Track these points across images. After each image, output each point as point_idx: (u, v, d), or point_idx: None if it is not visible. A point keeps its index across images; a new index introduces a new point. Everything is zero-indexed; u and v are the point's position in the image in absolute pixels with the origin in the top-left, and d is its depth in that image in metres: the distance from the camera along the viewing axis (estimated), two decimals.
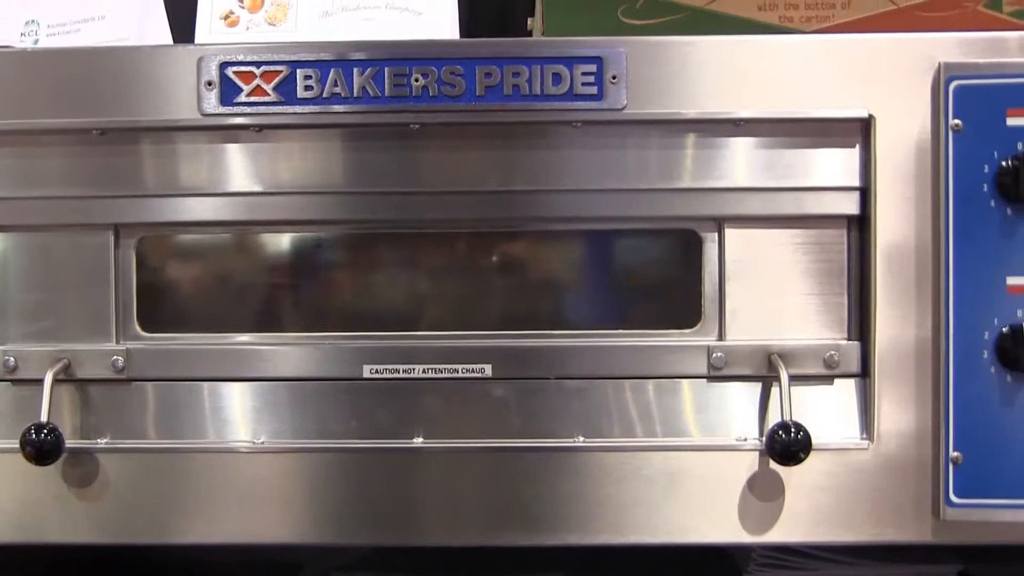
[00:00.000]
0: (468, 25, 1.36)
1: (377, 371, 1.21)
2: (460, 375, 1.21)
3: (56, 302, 1.22)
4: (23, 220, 1.21)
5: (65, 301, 1.22)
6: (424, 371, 1.21)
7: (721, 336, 1.21)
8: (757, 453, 1.18)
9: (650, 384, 1.21)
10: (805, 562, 1.42)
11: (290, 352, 1.22)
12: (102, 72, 1.19)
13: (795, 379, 1.18)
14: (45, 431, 1.16)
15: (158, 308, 1.25)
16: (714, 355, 1.21)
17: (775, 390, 1.19)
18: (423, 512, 1.20)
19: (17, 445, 1.16)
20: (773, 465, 1.17)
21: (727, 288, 1.20)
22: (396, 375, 1.21)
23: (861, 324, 1.19)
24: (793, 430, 1.14)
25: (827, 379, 1.20)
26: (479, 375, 1.21)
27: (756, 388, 1.21)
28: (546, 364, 1.22)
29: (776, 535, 1.20)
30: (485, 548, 1.24)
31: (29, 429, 1.16)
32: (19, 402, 1.22)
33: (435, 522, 1.21)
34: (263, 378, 1.22)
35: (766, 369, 1.20)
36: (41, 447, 1.16)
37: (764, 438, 1.17)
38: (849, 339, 1.20)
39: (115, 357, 1.21)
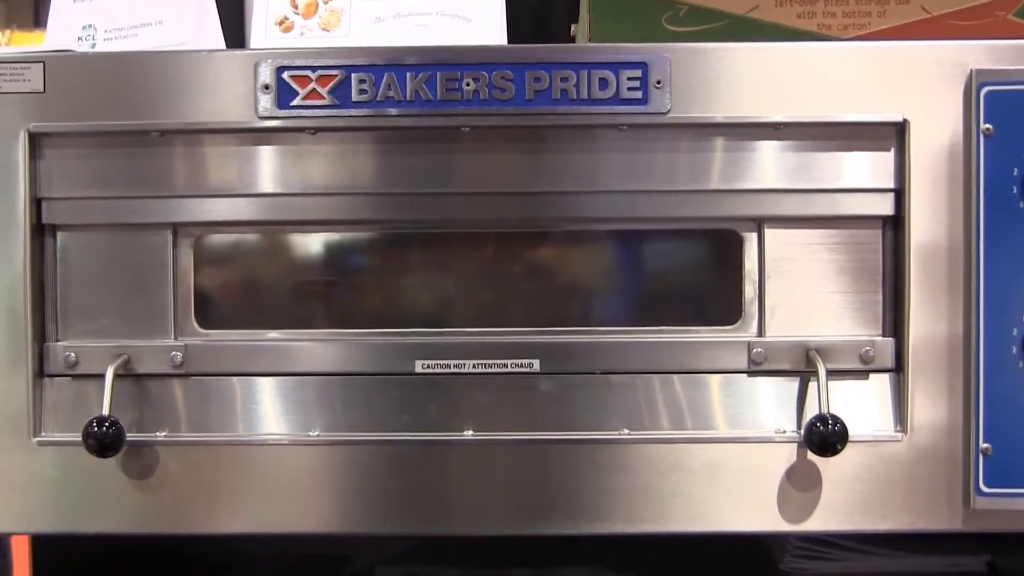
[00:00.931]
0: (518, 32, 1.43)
1: (428, 366, 1.28)
2: (509, 370, 1.28)
3: (115, 299, 1.28)
4: (84, 220, 1.27)
5: (124, 299, 1.28)
6: (474, 366, 1.27)
7: (761, 332, 1.28)
8: (795, 445, 1.24)
9: (692, 379, 1.27)
10: (838, 553, 1.48)
11: (344, 348, 1.28)
12: (161, 76, 1.25)
13: (832, 374, 1.24)
14: (107, 424, 1.22)
15: (215, 305, 1.31)
16: (754, 351, 1.27)
17: (812, 384, 1.26)
18: (471, 503, 1.26)
19: (79, 437, 1.22)
20: (810, 456, 1.23)
21: (766, 286, 1.27)
22: (447, 370, 1.28)
23: (895, 321, 1.26)
24: (831, 422, 1.21)
25: (862, 374, 1.27)
26: (527, 369, 1.28)
27: (794, 383, 1.27)
28: (592, 359, 1.28)
29: (813, 524, 1.26)
30: (528, 540, 1.30)
31: (91, 422, 1.21)
32: (79, 396, 1.27)
33: (483, 512, 1.26)
34: (317, 373, 1.28)
35: (804, 364, 1.26)
36: (103, 439, 1.21)
37: (802, 430, 1.24)
38: (884, 335, 1.26)
39: (174, 353, 1.27)
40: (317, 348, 1.29)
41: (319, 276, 1.34)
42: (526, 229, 1.31)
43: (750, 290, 1.28)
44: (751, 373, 1.27)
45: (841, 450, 1.21)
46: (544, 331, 1.29)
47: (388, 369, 1.28)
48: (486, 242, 1.32)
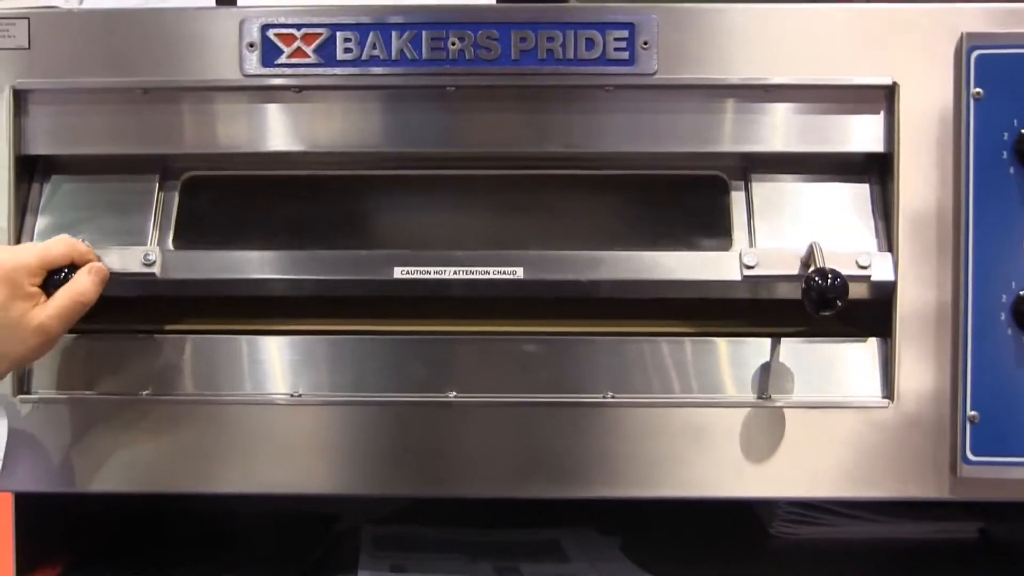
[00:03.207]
0: None
1: (408, 272, 1.31)
2: (492, 276, 1.31)
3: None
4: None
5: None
6: (455, 272, 1.31)
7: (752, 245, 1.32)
8: (782, 410, 1.30)
9: (678, 341, 1.32)
10: (829, 519, 1.54)
11: (323, 257, 1.33)
12: (146, 32, 1.31)
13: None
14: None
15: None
16: (745, 257, 1.29)
17: (800, 346, 1.32)
18: (455, 465, 1.32)
19: (63, 395, 1.32)
20: (797, 422, 1.29)
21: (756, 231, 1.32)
22: (427, 276, 1.31)
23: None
24: (830, 276, 1.21)
25: (861, 281, 1.28)
26: (510, 276, 1.31)
27: (784, 345, 1.32)
28: (579, 268, 1.31)
29: (800, 491, 1.33)
30: (516, 501, 1.36)
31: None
32: (63, 356, 1.33)
33: (468, 475, 1.32)
34: (296, 279, 1.32)
35: (798, 268, 1.28)
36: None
37: (801, 286, 1.22)
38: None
39: (146, 253, 1.30)
40: (296, 257, 1.33)
41: (302, 216, 1.39)
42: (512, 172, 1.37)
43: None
44: (744, 280, 1.29)
45: (841, 307, 1.22)
46: (529, 250, 1.32)
47: (366, 275, 1.31)
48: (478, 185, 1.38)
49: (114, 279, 1.26)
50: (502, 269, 1.31)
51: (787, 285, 1.29)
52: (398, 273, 1.31)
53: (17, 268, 1.20)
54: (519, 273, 1.31)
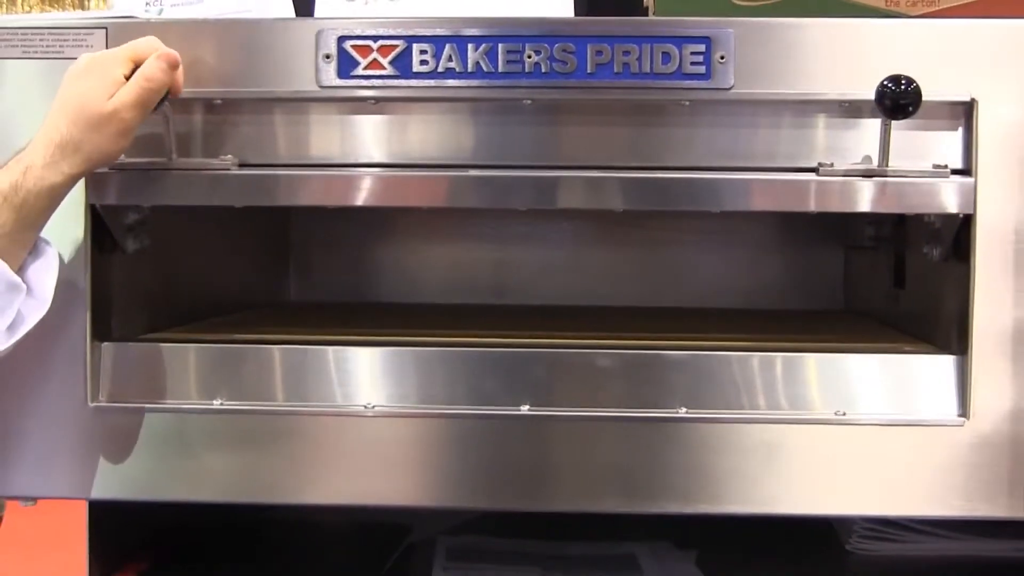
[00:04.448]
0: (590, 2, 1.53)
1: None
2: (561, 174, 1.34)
3: None
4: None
5: None
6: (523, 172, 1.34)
7: None
8: (856, 427, 1.32)
9: (752, 357, 1.34)
10: (906, 535, 1.55)
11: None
12: (222, 43, 1.34)
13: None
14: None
15: None
16: (821, 167, 1.32)
17: (875, 362, 1.35)
18: (529, 479, 1.35)
19: (136, 403, 1.35)
20: (870, 439, 1.31)
21: None
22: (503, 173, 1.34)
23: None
24: (904, 82, 1.24)
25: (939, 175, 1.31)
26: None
27: (858, 361, 1.35)
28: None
29: (872, 508, 1.35)
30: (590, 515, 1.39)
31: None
32: (139, 363, 1.38)
33: (543, 488, 1.35)
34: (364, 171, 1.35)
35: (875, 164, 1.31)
36: None
37: (874, 93, 1.26)
38: None
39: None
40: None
41: None
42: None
43: None
44: (821, 175, 1.31)
45: (913, 113, 1.25)
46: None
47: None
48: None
49: (191, 180, 1.34)
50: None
51: (865, 192, 1.31)
52: (473, 172, 1.34)
53: (106, 57, 1.28)
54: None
